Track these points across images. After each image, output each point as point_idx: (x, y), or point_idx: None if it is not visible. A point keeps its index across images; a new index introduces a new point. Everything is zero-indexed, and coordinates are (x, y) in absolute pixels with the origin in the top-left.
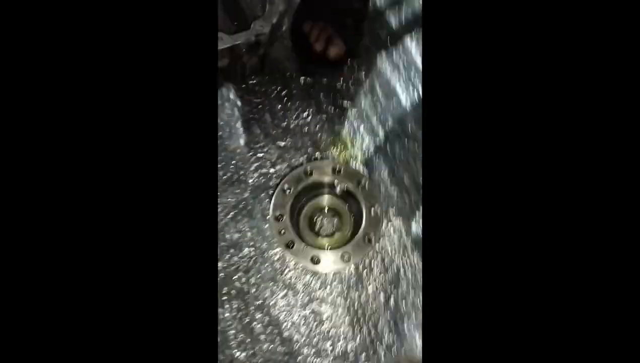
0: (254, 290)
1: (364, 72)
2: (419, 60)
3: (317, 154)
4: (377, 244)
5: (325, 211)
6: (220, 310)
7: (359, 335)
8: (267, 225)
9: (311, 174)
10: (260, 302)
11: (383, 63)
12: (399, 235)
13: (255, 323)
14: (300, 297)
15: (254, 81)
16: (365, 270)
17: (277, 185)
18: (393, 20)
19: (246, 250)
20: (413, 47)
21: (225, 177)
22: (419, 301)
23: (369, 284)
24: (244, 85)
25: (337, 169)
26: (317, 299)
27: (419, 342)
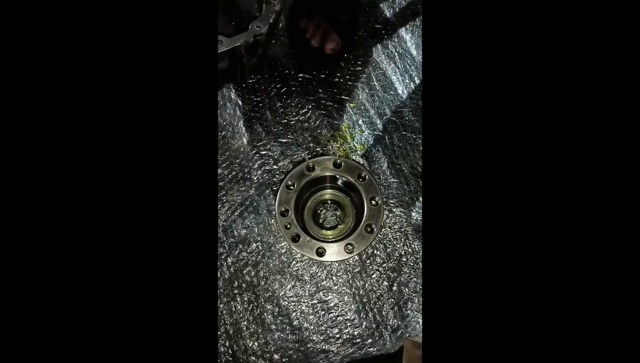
0: (263, 282)
1: (360, 66)
2: (414, 51)
3: (318, 149)
4: (379, 234)
5: (328, 204)
6: (232, 303)
7: (364, 321)
8: (272, 220)
9: (313, 169)
10: (269, 293)
11: (379, 55)
12: (400, 224)
13: (266, 314)
14: (308, 288)
15: (254, 80)
16: (369, 259)
17: (281, 181)
18: (387, 12)
19: (254, 245)
20: (408, 37)
21: (230, 175)
22: (420, 286)
23: (373, 272)
24: (244, 85)
25: (338, 163)
26: (323, 289)
27: (422, 325)
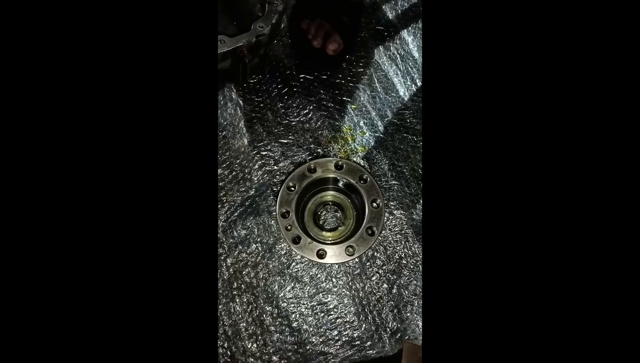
0: (262, 284)
1: (362, 67)
2: (416, 53)
3: (319, 150)
4: (379, 236)
5: (329, 206)
6: (231, 304)
7: (364, 323)
8: (272, 221)
9: (315, 170)
10: (269, 295)
11: (381, 57)
12: (400, 227)
13: (265, 315)
14: (307, 289)
15: (255, 80)
16: (369, 261)
17: (282, 182)
18: (390, 13)
19: (254, 246)
20: (410, 39)
21: (230, 175)
22: (420, 289)
23: (373, 275)
24: (245, 85)
25: (340, 164)
26: (323, 290)
27: (421, 327)
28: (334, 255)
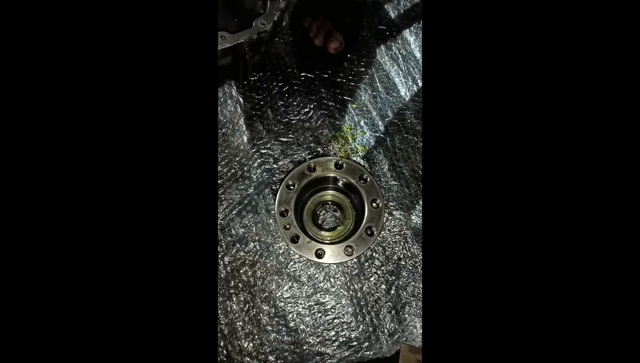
0: (260, 282)
1: (363, 66)
2: (417, 53)
3: (319, 149)
4: (378, 236)
5: (328, 205)
6: (228, 302)
7: (361, 324)
8: (271, 220)
9: (314, 169)
10: (266, 294)
11: (383, 56)
12: (399, 227)
13: (262, 314)
14: (305, 289)
15: (256, 78)
16: (367, 262)
17: (281, 180)
18: (392, 13)
19: (252, 244)
20: (412, 39)
21: (229, 173)
22: (418, 290)
23: (371, 275)
24: (246, 82)
25: (340, 164)
26: (321, 290)
27: (419, 329)
28: (332, 255)
